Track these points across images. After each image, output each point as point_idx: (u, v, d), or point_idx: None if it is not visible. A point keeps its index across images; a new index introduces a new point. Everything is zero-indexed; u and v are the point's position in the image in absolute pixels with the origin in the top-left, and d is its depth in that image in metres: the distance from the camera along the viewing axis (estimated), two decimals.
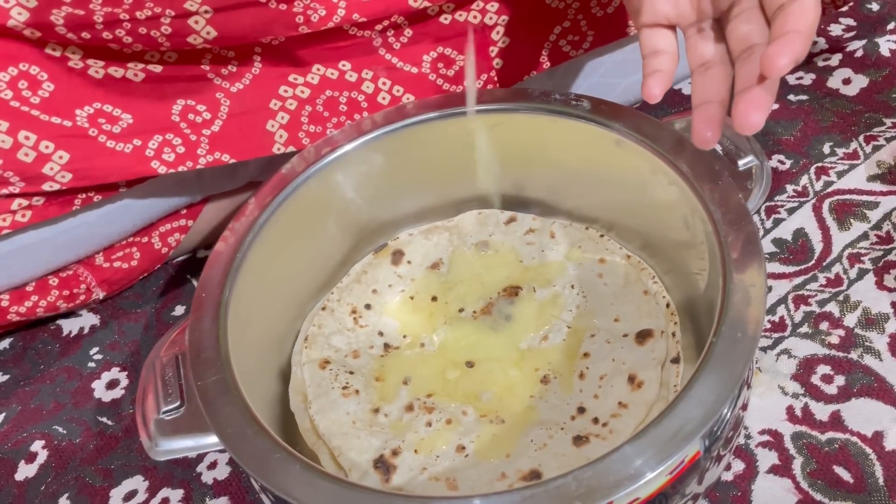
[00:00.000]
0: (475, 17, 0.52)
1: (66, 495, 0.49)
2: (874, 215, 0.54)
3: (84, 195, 0.50)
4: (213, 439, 0.37)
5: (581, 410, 0.43)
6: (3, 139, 0.46)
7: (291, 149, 0.52)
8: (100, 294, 0.57)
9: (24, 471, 0.51)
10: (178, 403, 0.39)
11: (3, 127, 0.46)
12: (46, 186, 0.47)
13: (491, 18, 0.52)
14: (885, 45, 0.66)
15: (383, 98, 0.54)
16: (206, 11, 0.45)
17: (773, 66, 0.32)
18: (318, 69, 0.52)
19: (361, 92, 0.53)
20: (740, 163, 0.45)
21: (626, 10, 0.44)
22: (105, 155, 0.48)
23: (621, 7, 0.55)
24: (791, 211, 0.55)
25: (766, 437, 0.44)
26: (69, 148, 0.47)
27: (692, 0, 0.39)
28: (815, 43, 0.69)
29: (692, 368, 0.35)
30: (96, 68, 0.47)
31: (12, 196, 0.48)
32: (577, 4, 0.52)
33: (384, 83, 0.54)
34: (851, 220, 0.54)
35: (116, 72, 0.48)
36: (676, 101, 0.66)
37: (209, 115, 0.49)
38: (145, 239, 0.58)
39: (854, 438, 0.43)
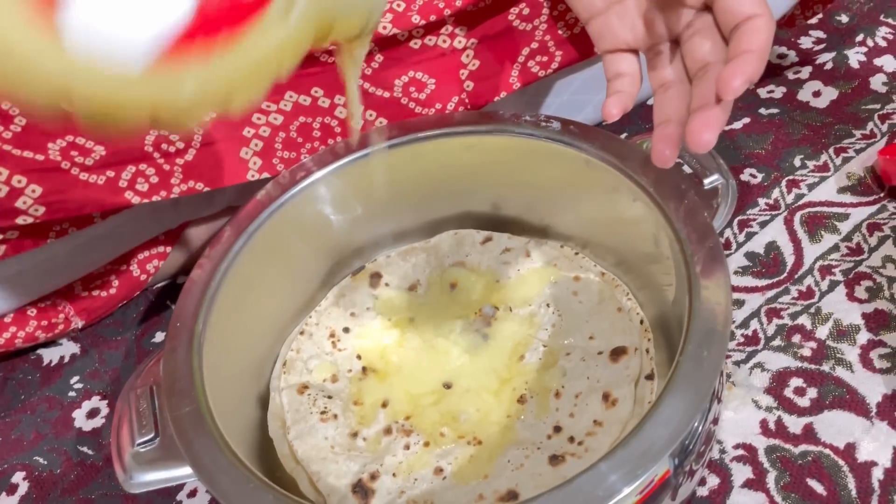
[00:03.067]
0: (444, 42, 0.53)
1: None
2: (844, 227, 0.54)
3: (58, 227, 0.50)
4: (187, 471, 0.37)
5: (557, 430, 0.43)
6: None
7: (266, 175, 0.52)
8: (78, 323, 0.57)
9: (5, 503, 0.51)
10: (152, 435, 0.39)
11: None
12: (20, 220, 0.47)
13: (460, 42, 0.53)
14: (854, 56, 0.67)
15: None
16: None
17: (728, 88, 0.33)
18: (291, 96, 0.52)
19: (335, 117, 0.53)
20: (706, 181, 0.45)
21: None
22: (78, 187, 0.48)
23: None
24: (763, 224, 0.56)
25: (740, 452, 0.44)
26: (42, 181, 0.46)
27: (648, 25, 0.40)
28: (785, 56, 0.70)
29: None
30: None
31: None
32: (543, 26, 0.53)
33: None
34: (822, 233, 0.54)
35: None
36: (650, 118, 0.67)
37: (182, 145, 0.50)
38: (124, 266, 0.58)
39: (827, 451, 0.43)
